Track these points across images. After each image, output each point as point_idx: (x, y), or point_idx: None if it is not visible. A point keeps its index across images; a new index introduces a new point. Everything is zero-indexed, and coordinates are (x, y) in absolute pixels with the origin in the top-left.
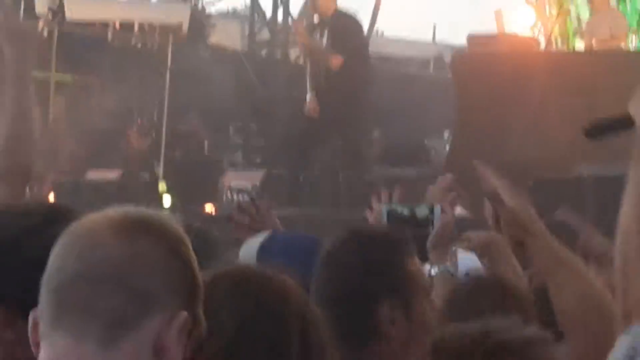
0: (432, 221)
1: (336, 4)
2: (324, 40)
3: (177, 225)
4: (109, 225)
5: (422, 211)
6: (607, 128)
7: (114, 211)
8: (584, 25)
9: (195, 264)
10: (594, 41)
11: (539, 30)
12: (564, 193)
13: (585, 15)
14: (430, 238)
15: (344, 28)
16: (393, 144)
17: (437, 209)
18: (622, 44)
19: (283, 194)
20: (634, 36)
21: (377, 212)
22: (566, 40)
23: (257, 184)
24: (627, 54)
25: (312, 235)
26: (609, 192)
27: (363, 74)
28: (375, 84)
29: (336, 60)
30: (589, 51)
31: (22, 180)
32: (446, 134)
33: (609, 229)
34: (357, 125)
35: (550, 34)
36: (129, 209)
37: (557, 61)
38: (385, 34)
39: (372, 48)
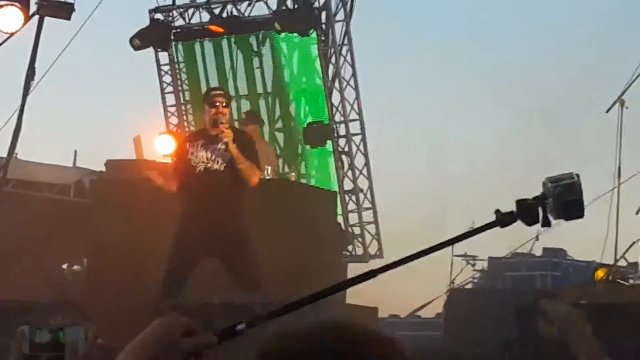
0: (64, 345)
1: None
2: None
3: None
4: None
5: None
6: None
7: None
8: None
9: None
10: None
11: None
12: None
13: None
14: None
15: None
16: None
17: (78, 331)
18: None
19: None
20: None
21: (19, 334)
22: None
23: None
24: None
25: None
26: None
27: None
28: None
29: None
30: None
31: None
32: (85, 261)
33: None
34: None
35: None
36: None
37: None
38: (26, 158)
39: (14, 173)
